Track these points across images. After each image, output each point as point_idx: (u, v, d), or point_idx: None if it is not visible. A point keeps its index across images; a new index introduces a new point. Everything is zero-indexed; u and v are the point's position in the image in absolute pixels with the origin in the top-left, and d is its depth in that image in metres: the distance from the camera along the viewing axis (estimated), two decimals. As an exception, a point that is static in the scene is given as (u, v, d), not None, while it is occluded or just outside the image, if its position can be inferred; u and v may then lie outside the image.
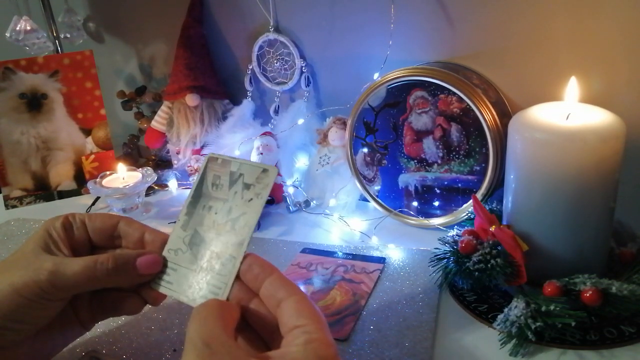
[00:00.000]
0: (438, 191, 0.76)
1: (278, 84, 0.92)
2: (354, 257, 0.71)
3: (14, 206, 0.94)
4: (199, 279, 0.47)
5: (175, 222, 0.83)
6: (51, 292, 0.46)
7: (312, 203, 0.85)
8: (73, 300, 0.50)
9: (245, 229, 0.47)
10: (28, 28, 0.97)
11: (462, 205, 0.74)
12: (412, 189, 0.78)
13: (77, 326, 0.52)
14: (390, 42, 0.77)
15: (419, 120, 0.75)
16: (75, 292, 0.48)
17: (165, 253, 0.50)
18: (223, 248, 0.47)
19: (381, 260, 0.69)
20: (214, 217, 0.49)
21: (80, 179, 0.98)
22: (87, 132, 0.98)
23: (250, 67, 0.93)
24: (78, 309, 0.51)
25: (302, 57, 0.89)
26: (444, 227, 0.75)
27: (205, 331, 0.38)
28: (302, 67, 0.89)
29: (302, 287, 0.65)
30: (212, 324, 0.39)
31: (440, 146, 0.74)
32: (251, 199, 0.48)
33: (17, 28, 0.97)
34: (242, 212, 0.48)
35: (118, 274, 0.48)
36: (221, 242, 0.48)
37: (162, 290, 0.49)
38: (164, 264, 0.50)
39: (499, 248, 0.59)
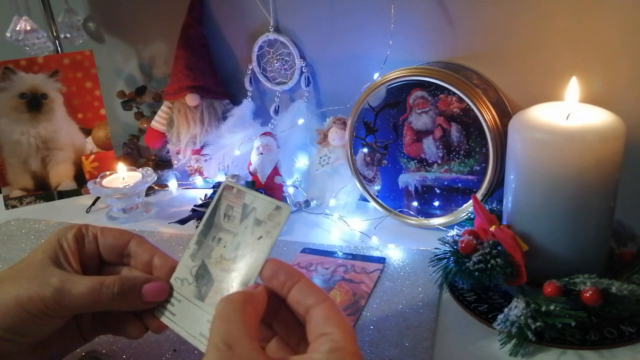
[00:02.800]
0: (438, 191, 0.76)
1: (278, 84, 0.92)
2: (354, 257, 0.71)
3: (14, 206, 0.94)
4: (200, 315, 0.46)
5: (174, 223, 0.83)
6: (55, 309, 0.46)
7: (312, 203, 0.85)
8: (77, 314, 0.49)
9: (251, 269, 0.45)
10: (28, 28, 0.97)
11: (462, 205, 0.74)
12: (412, 189, 0.78)
13: (78, 338, 0.51)
14: (390, 42, 0.77)
15: (419, 120, 0.75)
16: (79, 311, 0.48)
17: (172, 281, 0.49)
18: (227, 286, 0.46)
19: (381, 260, 0.69)
20: (222, 251, 0.48)
21: (80, 179, 0.98)
22: (87, 132, 0.98)
23: (250, 67, 0.93)
24: (81, 322, 0.51)
25: (302, 57, 0.89)
26: (444, 227, 0.75)
27: (228, 331, 0.38)
28: (302, 67, 0.89)
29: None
30: (234, 323, 0.38)
31: (440, 146, 0.74)
32: (260, 237, 0.47)
33: (17, 28, 0.97)
34: (251, 249, 0.46)
35: (123, 299, 0.47)
36: (226, 279, 0.47)
37: (164, 320, 0.48)
38: (170, 294, 0.49)
39: (499, 248, 0.59)
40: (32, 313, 0.45)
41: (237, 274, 0.46)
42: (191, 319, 0.47)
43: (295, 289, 0.42)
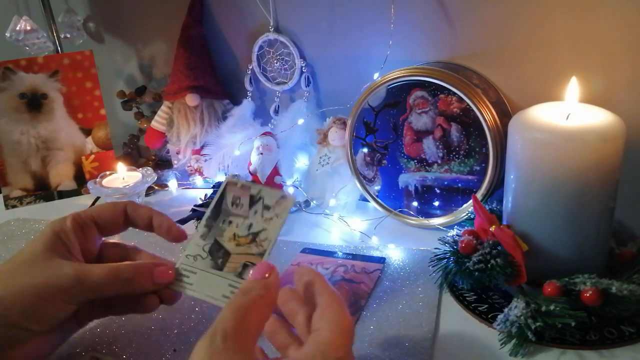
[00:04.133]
0: (438, 191, 0.76)
1: (278, 84, 0.92)
2: (354, 257, 0.71)
3: (14, 206, 0.94)
4: (219, 280, 0.51)
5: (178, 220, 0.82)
6: (75, 296, 0.49)
7: (312, 203, 0.85)
8: None
9: (265, 242, 0.51)
10: (28, 28, 0.97)
11: (462, 205, 0.74)
12: (412, 189, 0.78)
13: (74, 325, 0.54)
14: (391, 42, 0.77)
15: (419, 120, 0.75)
16: (97, 297, 0.51)
17: (183, 259, 0.54)
18: (244, 257, 0.51)
19: (381, 260, 0.69)
20: (234, 230, 0.53)
21: (80, 179, 0.98)
22: (87, 132, 0.98)
23: (250, 67, 0.93)
24: (78, 309, 0.52)
25: (302, 57, 0.89)
26: (444, 227, 0.75)
27: (231, 323, 0.39)
28: (302, 67, 0.89)
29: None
30: (241, 318, 0.39)
31: (440, 146, 0.74)
32: (271, 218, 0.52)
33: (17, 28, 0.97)
34: (263, 227, 0.52)
35: (137, 282, 0.51)
36: (242, 251, 0.52)
37: (183, 290, 0.52)
38: (183, 269, 0.53)
39: (499, 248, 0.59)
40: (51, 301, 0.48)
41: (252, 246, 0.52)
42: (211, 285, 0.51)
43: (312, 288, 0.44)
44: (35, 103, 0.92)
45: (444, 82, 0.70)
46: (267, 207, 0.53)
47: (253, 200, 0.54)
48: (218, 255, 0.53)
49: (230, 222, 0.54)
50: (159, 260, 0.55)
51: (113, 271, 0.50)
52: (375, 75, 0.78)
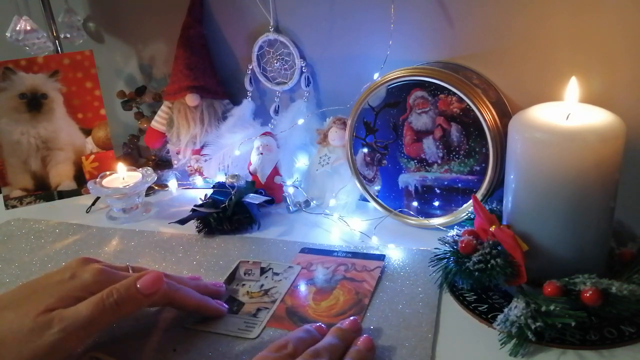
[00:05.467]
0: (438, 191, 0.76)
1: (278, 84, 0.92)
2: (354, 255, 0.71)
3: (14, 206, 0.94)
4: (235, 319, 0.59)
5: (174, 223, 0.84)
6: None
7: (312, 203, 0.85)
8: None
9: (276, 294, 0.62)
10: (28, 28, 0.97)
11: (462, 205, 0.74)
12: (412, 189, 0.78)
13: None
14: (390, 42, 0.77)
15: (419, 120, 0.75)
16: (94, 333, 0.51)
17: None
18: (257, 304, 0.61)
19: (381, 257, 0.69)
20: (247, 289, 0.64)
21: (80, 179, 0.98)
22: (87, 132, 0.98)
23: (250, 67, 0.93)
24: None
25: (302, 57, 0.89)
26: (444, 227, 0.75)
27: None
28: (302, 67, 0.88)
29: (303, 287, 0.65)
30: None
31: (440, 146, 0.74)
32: (280, 280, 0.65)
33: (17, 28, 0.97)
34: (273, 286, 0.64)
35: (125, 303, 0.50)
36: (255, 301, 0.62)
37: (198, 327, 0.58)
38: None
39: (499, 248, 0.59)
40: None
41: (264, 297, 0.62)
42: (227, 324, 0.59)
43: None
44: (35, 103, 0.92)
45: (444, 82, 0.70)
46: (276, 274, 0.66)
47: (264, 270, 0.67)
48: (233, 305, 0.62)
49: (243, 285, 0.65)
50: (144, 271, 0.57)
51: (98, 300, 0.51)
52: (375, 75, 0.78)
